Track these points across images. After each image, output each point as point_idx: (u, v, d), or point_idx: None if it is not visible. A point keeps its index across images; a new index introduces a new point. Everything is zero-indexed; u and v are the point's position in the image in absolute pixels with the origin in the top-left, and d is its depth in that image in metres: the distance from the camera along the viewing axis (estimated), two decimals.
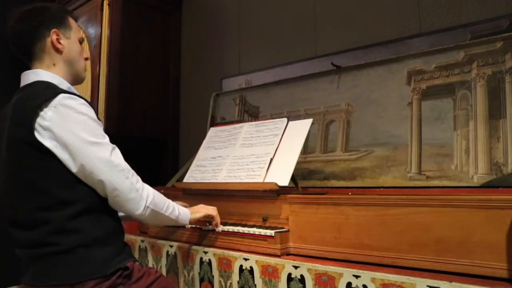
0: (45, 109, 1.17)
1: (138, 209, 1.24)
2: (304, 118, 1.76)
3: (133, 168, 1.27)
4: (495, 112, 1.52)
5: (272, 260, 1.33)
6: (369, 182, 1.76)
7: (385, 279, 1.08)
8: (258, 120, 2.19)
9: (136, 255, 1.84)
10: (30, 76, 1.29)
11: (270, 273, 1.32)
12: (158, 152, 3.10)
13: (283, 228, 1.42)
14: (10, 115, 1.22)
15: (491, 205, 1.03)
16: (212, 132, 2.00)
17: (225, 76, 2.86)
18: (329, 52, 2.27)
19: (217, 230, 1.53)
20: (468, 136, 1.57)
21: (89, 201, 1.20)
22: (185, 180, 1.90)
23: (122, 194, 1.21)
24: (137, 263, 1.29)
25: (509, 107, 1.49)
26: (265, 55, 2.62)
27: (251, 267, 1.38)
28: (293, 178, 1.54)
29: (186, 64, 3.22)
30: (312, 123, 1.66)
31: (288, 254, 1.38)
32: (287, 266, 1.28)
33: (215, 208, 1.54)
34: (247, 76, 2.69)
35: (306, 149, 1.99)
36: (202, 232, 1.60)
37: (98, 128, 1.24)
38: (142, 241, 1.84)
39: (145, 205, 1.25)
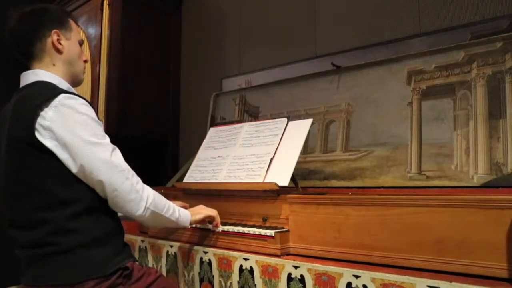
0: (46, 109, 1.17)
1: (138, 210, 1.24)
2: (304, 118, 1.75)
3: (133, 168, 1.26)
4: (495, 112, 1.53)
5: (272, 260, 1.33)
6: (369, 182, 1.76)
7: (385, 279, 1.08)
8: (258, 120, 2.19)
9: (136, 255, 1.84)
10: (29, 77, 1.29)
11: (270, 273, 1.32)
12: (158, 152, 3.10)
13: (283, 228, 1.42)
14: (10, 115, 1.21)
15: (491, 205, 1.03)
16: (212, 132, 2.00)
17: (225, 76, 2.86)
18: (329, 52, 2.27)
19: (217, 230, 1.53)
20: (468, 136, 1.57)
21: (89, 201, 1.20)
22: (185, 180, 1.90)
23: (122, 195, 1.21)
24: (137, 263, 1.29)
25: (509, 107, 1.49)
26: (265, 55, 2.62)
27: (251, 267, 1.37)
28: (293, 178, 1.54)
29: (186, 64, 3.22)
30: (312, 123, 1.65)
31: (288, 254, 1.38)
32: (287, 266, 1.28)
33: (215, 210, 1.54)
34: (247, 76, 2.70)
35: (306, 149, 1.99)
36: (202, 232, 1.60)
37: (99, 128, 1.23)
38: (142, 241, 1.83)
39: (145, 206, 1.25)
